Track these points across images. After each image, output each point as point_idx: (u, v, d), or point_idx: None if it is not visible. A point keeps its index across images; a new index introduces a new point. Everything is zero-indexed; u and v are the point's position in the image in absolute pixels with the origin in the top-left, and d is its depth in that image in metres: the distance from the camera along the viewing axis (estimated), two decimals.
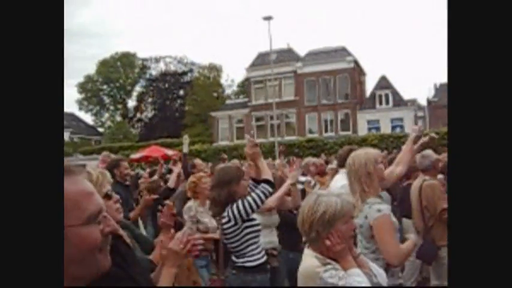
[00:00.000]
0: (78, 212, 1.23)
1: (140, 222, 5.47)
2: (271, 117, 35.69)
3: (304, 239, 2.46)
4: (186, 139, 8.58)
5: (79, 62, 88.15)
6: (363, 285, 2.23)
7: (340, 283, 2.20)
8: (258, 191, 3.91)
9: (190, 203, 5.49)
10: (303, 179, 6.41)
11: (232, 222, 3.86)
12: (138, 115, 59.38)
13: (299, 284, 2.39)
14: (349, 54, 39.80)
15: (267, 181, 3.97)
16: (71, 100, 61.41)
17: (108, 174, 2.61)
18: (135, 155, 22.35)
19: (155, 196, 5.46)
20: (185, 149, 8.44)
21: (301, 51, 42.70)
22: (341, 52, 40.20)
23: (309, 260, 2.34)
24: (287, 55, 41.49)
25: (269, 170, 4.18)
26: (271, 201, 4.31)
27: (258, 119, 40.80)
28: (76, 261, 1.23)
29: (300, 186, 5.62)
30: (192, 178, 5.80)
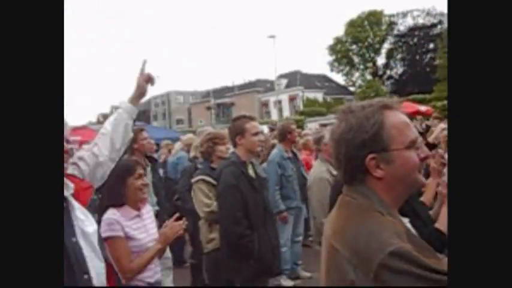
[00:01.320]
0: (402, 137, 1.39)
1: None
2: None
3: None
4: None
5: (327, 26, 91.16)
6: None
7: None
8: None
9: None
10: None
11: None
12: (388, 72, 59.42)
13: None
14: None
15: None
16: (323, 62, 62.75)
17: None
18: None
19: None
20: None
21: None
22: None
23: None
24: None
25: None
26: None
27: None
28: (401, 180, 1.41)
29: None
30: None
